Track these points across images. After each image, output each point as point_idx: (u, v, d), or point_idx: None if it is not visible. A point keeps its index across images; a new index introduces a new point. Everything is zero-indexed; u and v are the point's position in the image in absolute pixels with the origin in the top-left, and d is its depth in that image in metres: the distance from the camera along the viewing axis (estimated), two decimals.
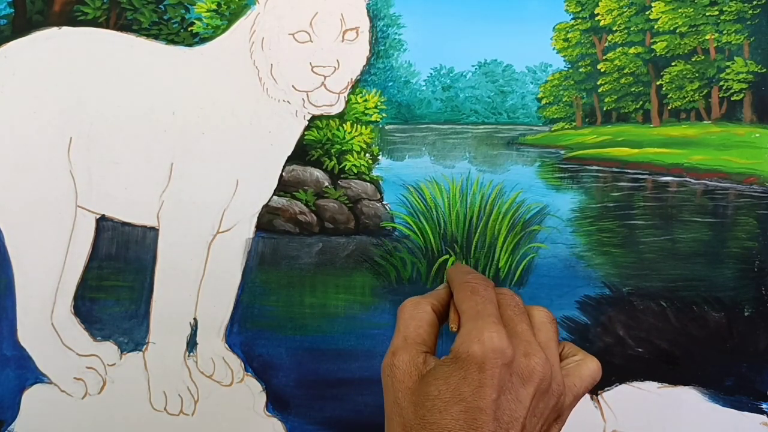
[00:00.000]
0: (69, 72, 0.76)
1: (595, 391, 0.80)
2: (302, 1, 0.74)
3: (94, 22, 0.79)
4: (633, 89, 0.86)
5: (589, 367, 0.51)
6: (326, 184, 0.82)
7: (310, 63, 0.74)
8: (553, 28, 0.82)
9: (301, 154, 0.81)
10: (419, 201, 0.81)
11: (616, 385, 0.79)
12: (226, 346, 0.79)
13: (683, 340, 0.80)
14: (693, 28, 0.84)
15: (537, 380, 0.46)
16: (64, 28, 0.78)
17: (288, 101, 0.76)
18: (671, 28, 0.84)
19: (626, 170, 0.85)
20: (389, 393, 0.47)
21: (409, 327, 0.50)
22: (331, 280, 0.80)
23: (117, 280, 0.79)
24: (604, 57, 0.86)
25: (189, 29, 0.80)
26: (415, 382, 0.46)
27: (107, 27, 0.79)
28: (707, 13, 0.83)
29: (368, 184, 0.82)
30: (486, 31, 0.81)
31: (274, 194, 0.80)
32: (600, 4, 0.85)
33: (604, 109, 0.86)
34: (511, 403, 0.45)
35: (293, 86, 0.75)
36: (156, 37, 0.79)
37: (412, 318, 0.50)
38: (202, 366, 0.79)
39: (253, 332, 0.79)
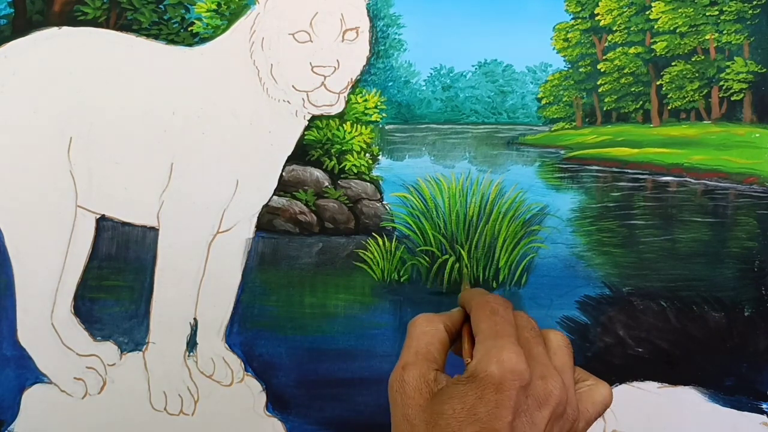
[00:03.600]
0: (69, 72, 0.76)
1: None
2: (302, 1, 0.74)
3: (94, 22, 0.79)
4: (633, 89, 0.86)
5: (602, 392, 0.50)
6: (326, 184, 0.82)
7: (310, 63, 0.74)
8: (553, 28, 0.82)
9: (301, 154, 0.81)
10: (419, 201, 0.81)
11: (616, 385, 0.79)
12: (226, 346, 0.79)
13: (683, 340, 0.80)
14: (693, 28, 0.84)
15: (553, 404, 0.45)
16: (64, 28, 0.78)
17: (288, 101, 0.76)
18: (671, 28, 0.84)
19: (626, 170, 0.85)
20: (398, 408, 0.46)
21: (420, 342, 0.49)
22: (331, 280, 0.80)
23: (117, 280, 0.79)
24: (604, 57, 0.86)
25: (189, 29, 0.80)
26: (426, 399, 0.46)
27: (107, 27, 0.79)
28: (707, 13, 0.83)
29: (368, 184, 0.82)
30: (486, 31, 0.81)
31: (274, 194, 0.80)
32: (600, 4, 0.85)
33: (604, 109, 0.86)
34: (526, 426, 0.44)
35: (293, 86, 0.75)
36: (156, 37, 0.79)
37: (425, 333, 0.49)
38: (202, 366, 0.79)
39: (253, 332, 0.79)
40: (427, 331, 0.50)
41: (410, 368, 0.47)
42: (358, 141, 0.82)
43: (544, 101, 0.85)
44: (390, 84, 0.81)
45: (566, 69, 0.85)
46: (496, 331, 0.47)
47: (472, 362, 0.46)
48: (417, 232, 0.81)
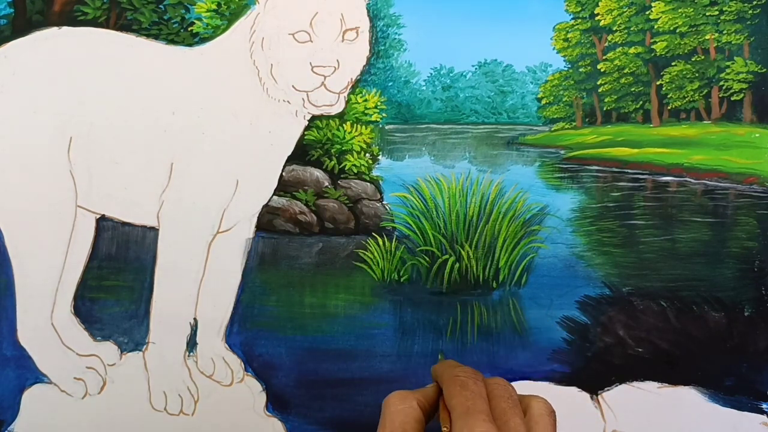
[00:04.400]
0: (69, 72, 0.76)
1: (595, 391, 0.79)
2: (302, 1, 0.74)
3: (94, 22, 0.79)
4: (633, 89, 0.86)
5: None
6: (326, 184, 0.82)
7: (310, 63, 0.74)
8: (553, 28, 0.82)
9: (301, 154, 0.81)
10: (419, 201, 0.81)
11: (616, 385, 0.79)
12: (226, 346, 0.79)
13: (683, 340, 0.80)
14: (693, 28, 0.84)
15: None
16: (64, 28, 0.78)
17: (288, 101, 0.76)
18: (671, 28, 0.84)
19: (626, 170, 0.85)
20: None
21: (394, 422, 0.49)
22: (331, 280, 0.80)
23: (117, 280, 0.79)
24: (604, 57, 0.86)
25: (189, 29, 0.80)
26: None
27: (107, 27, 0.79)
28: (707, 13, 0.83)
29: (368, 184, 0.82)
30: (486, 31, 0.81)
31: (274, 194, 0.80)
32: (600, 4, 0.85)
33: (604, 109, 0.86)
34: None
35: (293, 86, 0.75)
36: (156, 37, 0.79)
37: (398, 413, 0.49)
38: (202, 366, 0.79)
39: (253, 332, 0.79)
40: (401, 409, 0.49)
41: None
42: (358, 141, 0.82)
43: (544, 101, 0.85)
44: (390, 84, 0.81)
45: (566, 69, 0.84)
46: (467, 407, 0.47)
47: None
48: (417, 232, 0.81)
